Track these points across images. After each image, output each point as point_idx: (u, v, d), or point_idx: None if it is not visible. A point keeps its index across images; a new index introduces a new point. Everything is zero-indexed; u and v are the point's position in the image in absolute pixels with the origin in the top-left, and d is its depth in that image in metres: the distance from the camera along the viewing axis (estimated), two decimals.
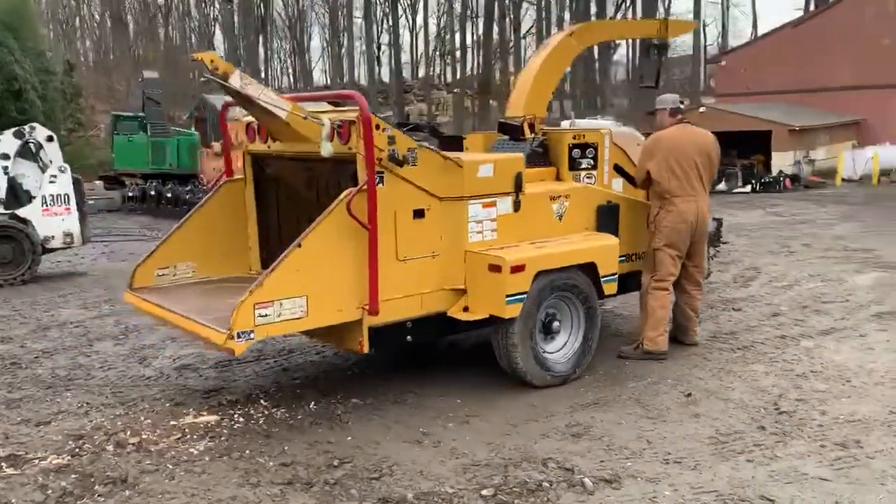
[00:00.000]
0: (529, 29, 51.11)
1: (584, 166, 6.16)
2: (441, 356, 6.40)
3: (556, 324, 5.55)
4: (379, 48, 55.36)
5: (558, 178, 6.13)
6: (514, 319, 5.18)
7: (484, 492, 3.91)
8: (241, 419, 4.95)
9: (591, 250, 5.61)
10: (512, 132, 6.34)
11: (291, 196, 5.75)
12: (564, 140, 6.25)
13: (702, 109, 23.05)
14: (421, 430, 4.76)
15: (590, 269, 5.60)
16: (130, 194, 21.24)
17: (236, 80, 4.66)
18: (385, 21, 55.28)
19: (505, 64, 47.00)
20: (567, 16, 45.50)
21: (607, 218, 6.07)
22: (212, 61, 4.55)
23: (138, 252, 12.23)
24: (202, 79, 4.69)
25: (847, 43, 29.10)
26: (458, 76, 54.95)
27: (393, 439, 4.63)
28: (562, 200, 5.84)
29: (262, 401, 5.28)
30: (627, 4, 45.72)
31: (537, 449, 4.43)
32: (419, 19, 57.22)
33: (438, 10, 56.01)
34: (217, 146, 21.98)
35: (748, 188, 21.74)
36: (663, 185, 6.02)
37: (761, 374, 5.67)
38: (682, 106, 6.36)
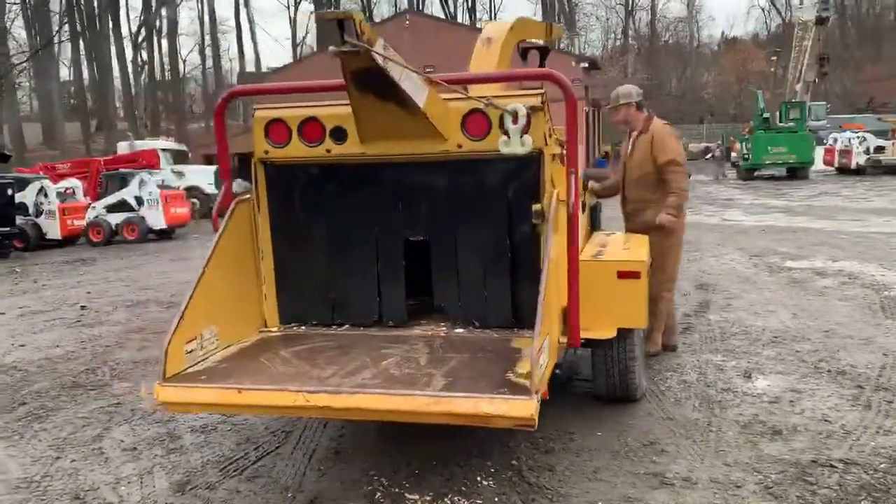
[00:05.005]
0: None
1: None
2: None
3: None
4: None
5: None
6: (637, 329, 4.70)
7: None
8: None
9: None
10: None
11: (358, 216, 4.21)
12: None
13: None
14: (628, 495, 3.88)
15: None
16: None
17: (380, 48, 3.32)
18: None
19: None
20: None
21: None
22: (360, 23, 3.15)
23: None
24: (337, 48, 3.19)
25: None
26: None
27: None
28: None
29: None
30: None
31: (779, 455, 4.06)
32: None
33: None
34: None
35: None
36: (683, 185, 5.77)
37: (762, 346, 6.19)
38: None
